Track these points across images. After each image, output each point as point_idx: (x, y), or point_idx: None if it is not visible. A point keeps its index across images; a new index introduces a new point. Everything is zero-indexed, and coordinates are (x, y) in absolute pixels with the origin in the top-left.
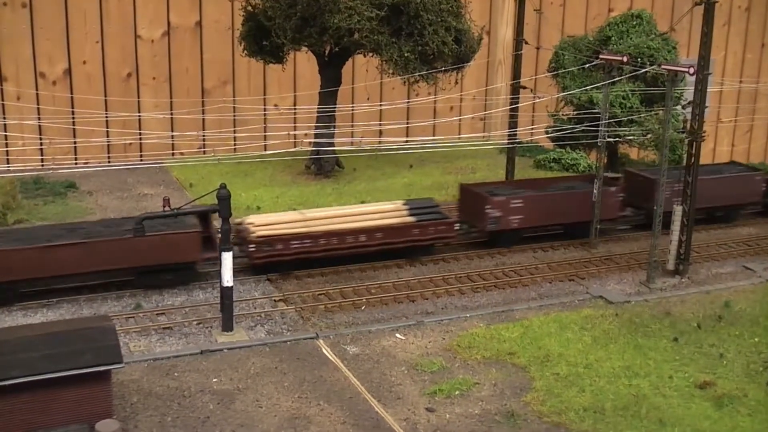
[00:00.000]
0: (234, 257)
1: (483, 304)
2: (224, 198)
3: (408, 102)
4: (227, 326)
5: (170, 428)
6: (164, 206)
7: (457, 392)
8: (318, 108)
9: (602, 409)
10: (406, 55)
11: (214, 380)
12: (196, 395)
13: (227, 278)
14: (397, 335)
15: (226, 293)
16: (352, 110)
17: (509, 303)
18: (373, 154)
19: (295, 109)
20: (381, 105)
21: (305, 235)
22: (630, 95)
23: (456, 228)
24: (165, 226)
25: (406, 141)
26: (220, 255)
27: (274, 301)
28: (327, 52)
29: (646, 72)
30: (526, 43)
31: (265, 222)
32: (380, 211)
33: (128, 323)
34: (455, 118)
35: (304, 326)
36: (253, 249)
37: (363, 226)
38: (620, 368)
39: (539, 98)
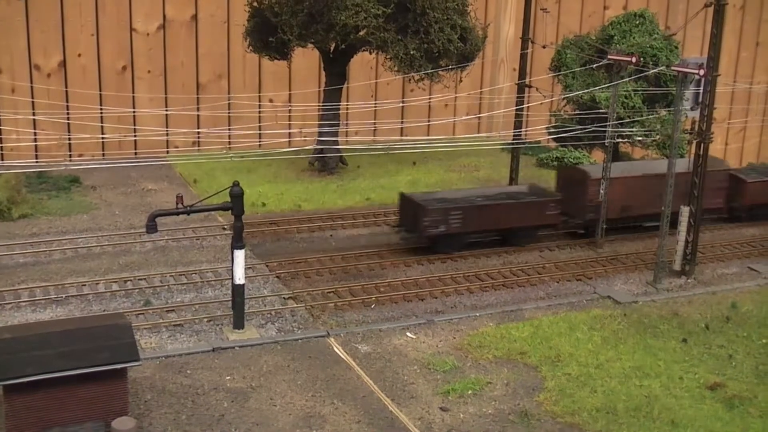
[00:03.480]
0: None
1: (492, 303)
2: (237, 195)
3: (411, 100)
4: (238, 324)
5: (185, 426)
6: (177, 203)
7: (470, 391)
8: (322, 105)
9: (615, 410)
10: (411, 52)
11: (227, 378)
12: (210, 393)
13: (239, 276)
14: (408, 334)
15: (238, 291)
16: (347, 109)
17: (518, 302)
18: (376, 152)
19: (290, 106)
20: (384, 103)
21: None
22: (632, 94)
23: None
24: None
25: (399, 139)
26: (233, 252)
27: (284, 299)
28: (332, 49)
29: (650, 72)
30: (533, 42)
31: None
32: None
33: (138, 320)
34: (465, 118)
35: (315, 324)
36: None
37: None
38: (631, 369)
39: (545, 97)
